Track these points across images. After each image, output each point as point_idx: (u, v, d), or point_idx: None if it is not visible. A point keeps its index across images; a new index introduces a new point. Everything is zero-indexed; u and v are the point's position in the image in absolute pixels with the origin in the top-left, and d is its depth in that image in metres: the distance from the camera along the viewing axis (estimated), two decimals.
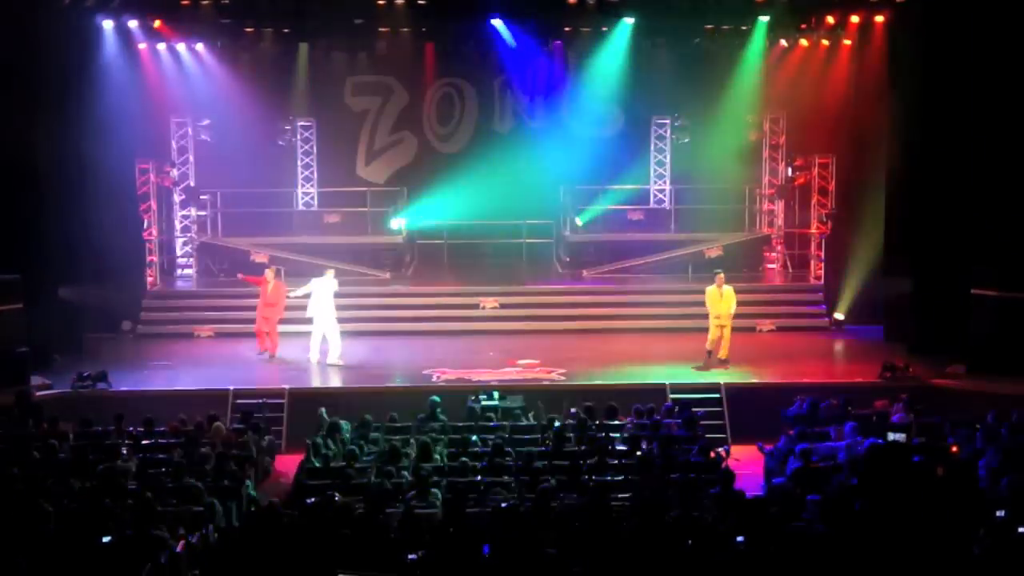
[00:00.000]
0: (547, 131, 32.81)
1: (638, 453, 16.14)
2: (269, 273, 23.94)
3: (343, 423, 17.66)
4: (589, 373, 22.40)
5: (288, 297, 23.86)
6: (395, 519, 12.74)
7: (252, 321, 24.16)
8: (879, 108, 25.46)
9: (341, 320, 25.26)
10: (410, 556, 11.08)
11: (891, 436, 16.56)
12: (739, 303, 22.64)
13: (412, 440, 16.84)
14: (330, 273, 23.54)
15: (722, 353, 22.36)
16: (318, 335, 23.17)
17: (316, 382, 22.07)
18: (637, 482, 14.63)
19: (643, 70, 31.11)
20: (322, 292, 23.20)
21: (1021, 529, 11.99)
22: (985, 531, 11.75)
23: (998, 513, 12.61)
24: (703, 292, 22.71)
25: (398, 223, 31.35)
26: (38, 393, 20.64)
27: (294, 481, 15.83)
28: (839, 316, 26.72)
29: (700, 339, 22.79)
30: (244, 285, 25.38)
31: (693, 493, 13.92)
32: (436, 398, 18.81)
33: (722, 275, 22.62)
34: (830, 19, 27.82)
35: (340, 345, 23.14)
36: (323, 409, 18.39)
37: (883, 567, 10.86)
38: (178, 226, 30.96)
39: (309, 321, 23.49)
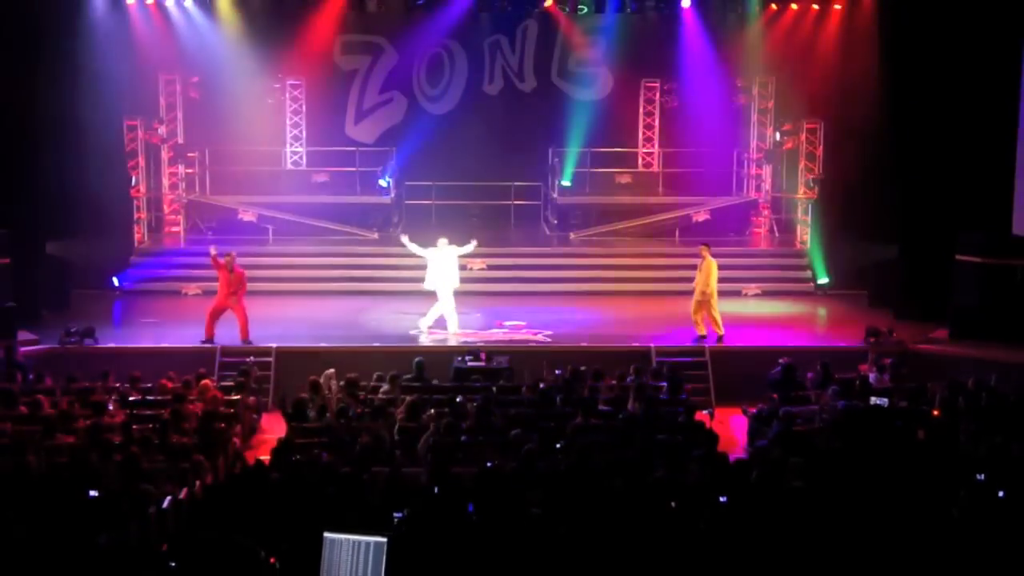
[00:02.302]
0: (536, 93, 32.86)
1: (620, 416, 16.27)
2: (228, 260, 21.60)
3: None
4: (575, 335, 22.54)
5: (405, 245, 22.97)
6: (381, 478, 12.80)
7: None
8: (868, 73, 25.54)
9: (328, 279, 25.43)
10: (395, 515, 11.16)
11: (873, 400, 16.73)
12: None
13: (398, 400, 16.94)
14: (443, 241, 22.69)
15: (700, 328, 21.95)
16: (438, 308, 22.48)
17: (303, 341, 21.88)
18: (622, 443, 14.69)
19: (633, 33, 31.18)
20: (437, 262, 22.42)
21: (1000, 492, 12.13)
22: (965, 493, 11.89)
23: (978, 476, 12.75)
24: (689, 255, 22.66)
25: (385, 180, 31.30)
26: (25, 349, 20.68)
27: (280, 439, 15.84)
28: (823, 281, 26.83)
29: (687, 301, 22.89)
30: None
31: (677, 454, 13.99)
32: (420, 359, 18.92)
33: (703, 247, 22.38)
34: None
35: (452, 312, 22.46)
36: (331, 370, 18.40)
37: (864, 528, 10.98)
38: (166, 183, 30.88)
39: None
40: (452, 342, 21.82)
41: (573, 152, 31.64)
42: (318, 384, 17.48)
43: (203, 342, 21.22)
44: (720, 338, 21.70)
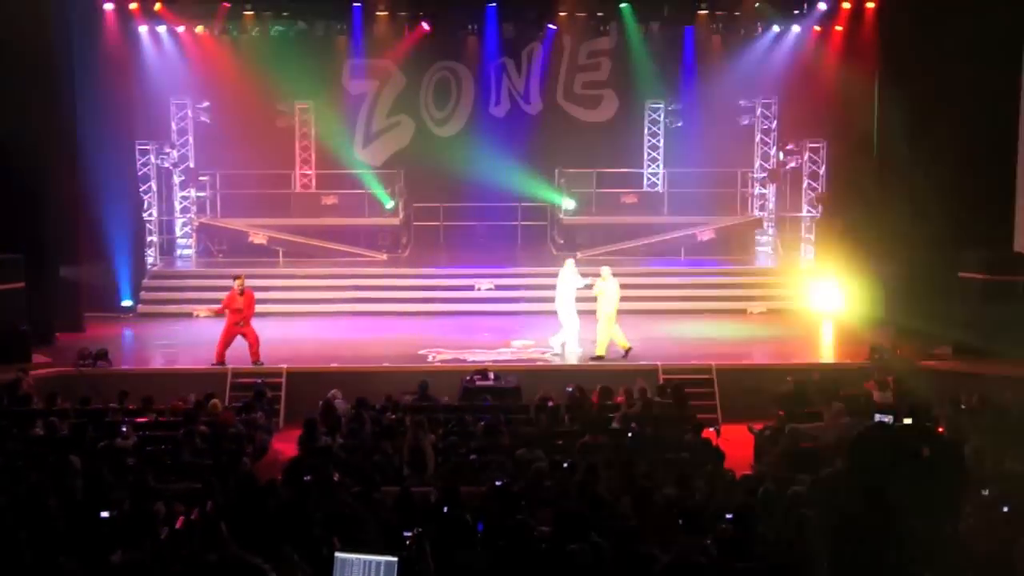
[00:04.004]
0: (542, 115, 33.08)
1: (627, 434, 16.40)
2: (238, 283, 21.47)
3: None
4: (583, 353, 22.59)
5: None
6: (390, 497, 12.88)
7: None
8: (869, 93, 25.66)
9: (338, 300, 25.55)
10: (405, 533, 11.25)
11: (878, 417, 16.82)
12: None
13: (407, 420, 17.08)
14: (569, 263, 22.92)
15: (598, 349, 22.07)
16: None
17: (313, 362, 21.97)
18: (629, 461, 14.78)
19: (637, 55, 31.43)
20: (561, 282, 22.60)
21: (1005, 508, 12.22)
22: (971, 509, 11.95)
23: (983, 492, 12.87)
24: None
25: (391, 202, 31.50)
26: (37, 372, 20.77)
27: (291, 459, 15.98)
28: (824, 299, 26.90)
29: (693, 320, 22.98)
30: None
31: (684, 472, 14.11)
32: (424, 380, 19.10)
33: (602, 269, 22.53)
34: (822, 5, 28.12)
35: (575, 333, 22.47)
36: (335, 391, 18.58)
37: (870, 544, 11.03)
38: (178, 207, 31.18)
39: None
40: (573, 360, 22.02)
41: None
42: (332, 405, 17.65)
43: (214, 364, 21.34)
44: (599, 358, 21.84)
